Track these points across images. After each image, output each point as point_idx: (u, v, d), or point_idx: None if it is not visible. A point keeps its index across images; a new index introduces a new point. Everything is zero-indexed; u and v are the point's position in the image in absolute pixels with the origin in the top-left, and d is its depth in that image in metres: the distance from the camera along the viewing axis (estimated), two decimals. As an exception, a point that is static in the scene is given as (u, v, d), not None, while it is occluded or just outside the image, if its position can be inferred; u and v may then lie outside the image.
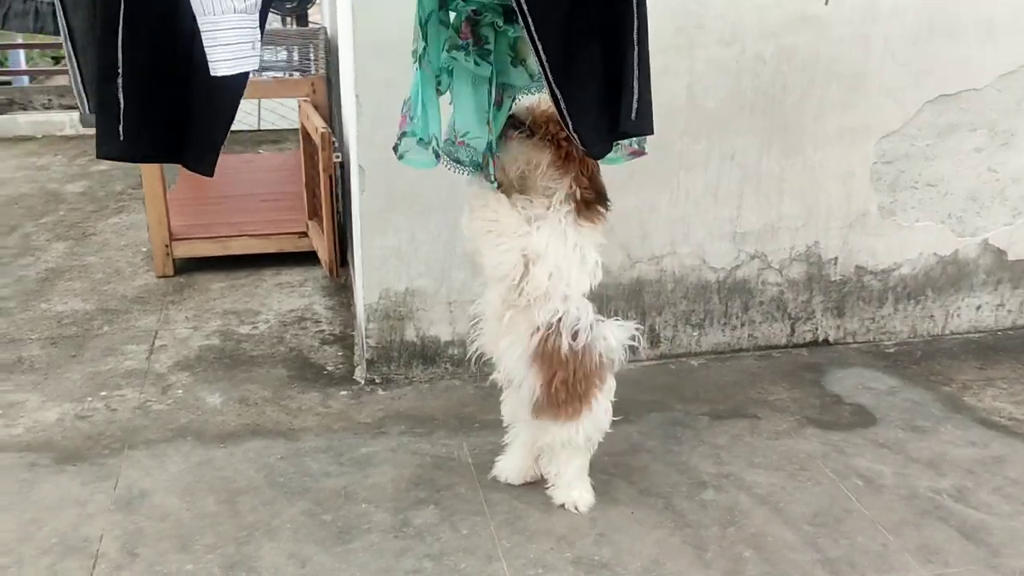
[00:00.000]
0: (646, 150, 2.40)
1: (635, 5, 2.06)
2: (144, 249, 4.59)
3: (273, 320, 3.87)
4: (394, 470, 2.85)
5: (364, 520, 2.61)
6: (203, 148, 1.99)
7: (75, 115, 6.59)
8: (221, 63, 1.74)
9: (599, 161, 2.37)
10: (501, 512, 2.65)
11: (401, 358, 3.35)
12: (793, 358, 3.57)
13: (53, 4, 2.03)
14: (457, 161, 2.39)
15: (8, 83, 7.54)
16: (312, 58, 4.80)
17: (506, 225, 2.36)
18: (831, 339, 3.65)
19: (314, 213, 4.36)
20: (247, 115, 6.61)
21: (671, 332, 3.50)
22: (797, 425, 3.10)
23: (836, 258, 3.54)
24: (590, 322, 2.42)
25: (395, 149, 2.38)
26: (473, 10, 2.25)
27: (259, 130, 6.92)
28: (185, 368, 3.48)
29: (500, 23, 2.27)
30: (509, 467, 2.76)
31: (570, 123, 2.24)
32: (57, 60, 8.30)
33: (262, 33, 1.87)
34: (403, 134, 2.37)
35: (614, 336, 2.49)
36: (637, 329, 2.56)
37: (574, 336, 2.39)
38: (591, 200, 2.40)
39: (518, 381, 2.49)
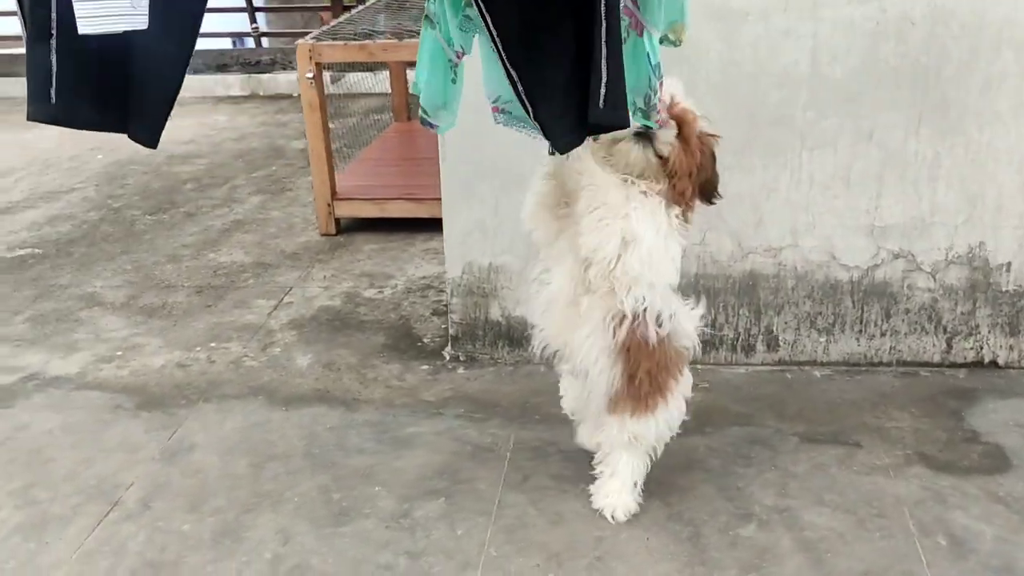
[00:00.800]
0: (652, 119, 2.05)
1: None
2: (321, 207, 4.73)
3: (401, 286, 3.84)
4: (427, 455, 2.71)
5: (368, 504, 2.50)
6: (146, 118, 1.92)
7: (327, 75, 6.92)
8: (86, 20, 1.65)
9: None
10: (508, 516, 2.43)
11: (487, 337, 3.19)
12: (943, 379, 2.99)
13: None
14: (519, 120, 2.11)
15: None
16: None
17: (613, 203, 2.15)
18: (1000, 361, 3.02)
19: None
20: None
21: (792, 336, 3.05)
22: (903, 461, 2.59)
23: (1009, 263, 2.91)
24: (673, 311, 2.23)
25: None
26: None
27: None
28: (296, 327, 3.54)
29: None
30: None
31: (529, 110, 1.97)
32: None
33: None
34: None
35: (690, 323, 2.30)
36: (702, 319, 2.35)
37: (660, 324, 2.21)
38: (695, 195, 2.22)
39: (596, 373, 2.28)
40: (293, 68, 7.33)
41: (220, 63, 7.53)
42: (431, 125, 2.17)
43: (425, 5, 2.12)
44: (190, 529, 2.45)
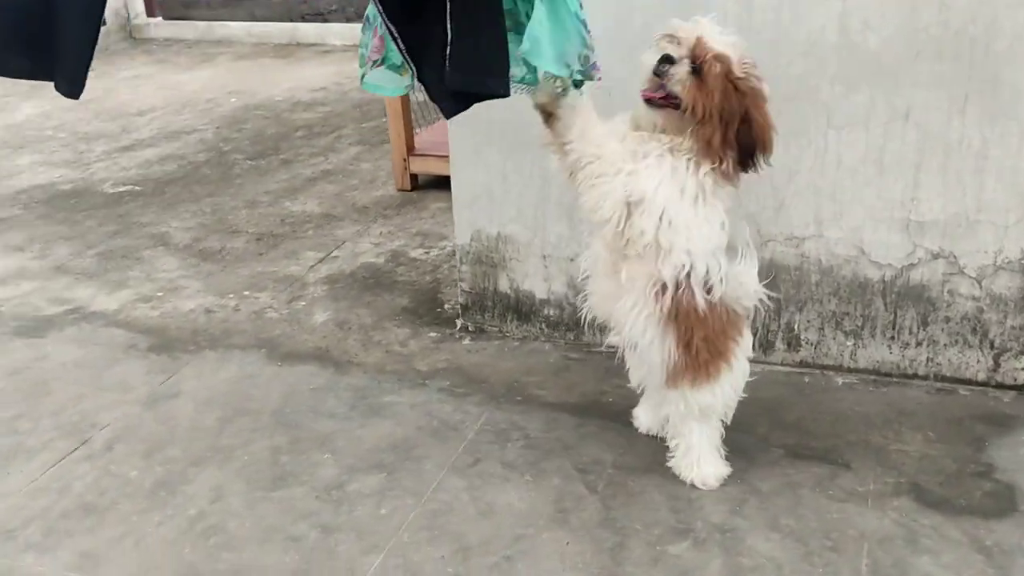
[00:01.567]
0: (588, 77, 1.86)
1: None
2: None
3: (449, 248, 3.75)
4: (391, 427, 2.63)
5: (309, 472, 2.46)
6: (66, 70, 1.91)
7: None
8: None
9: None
10: (438, 501, 2.32)
11: (495, 309, 3.06)
12: (983, 401, 2.61)
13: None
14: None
15: None
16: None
17: (608, 158, 2.02)
18: (1059, 387, 2.60)
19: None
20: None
21: (815, 336, 2.75)
22: (890, 491, 2.28)
23: (1072, 274, 2.49)
24: (724, 273, 2.08)
25: (362, 78, 2.08)
26: None
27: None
28: (329, 283, 3.53)
29: None
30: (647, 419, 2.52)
31: (413, 70, 1.82)
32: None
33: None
34: (378, 61, 2.03)
35: (751, 280, 2.17)
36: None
37: (708, 291, 2.07)
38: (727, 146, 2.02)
39: (645, 345, 2.15)
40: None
41: (372, 12, 7.60)
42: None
43: None
44: (136, 476, 2.48)
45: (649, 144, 2.04)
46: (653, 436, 2.50)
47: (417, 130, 4.39)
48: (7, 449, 2.62)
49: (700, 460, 2.30)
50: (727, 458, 2.36)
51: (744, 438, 2.49)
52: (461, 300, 3.09)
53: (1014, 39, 2.32)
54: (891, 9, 2.38)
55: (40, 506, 2.38)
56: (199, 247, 3.89)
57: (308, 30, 7.56)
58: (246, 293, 3.47)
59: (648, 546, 2.14)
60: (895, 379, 2.71)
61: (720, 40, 1.98)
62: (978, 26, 2.33)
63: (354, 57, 6.87)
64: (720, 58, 1.95)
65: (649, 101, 2.03)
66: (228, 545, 2.21)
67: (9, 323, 3.34)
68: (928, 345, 2.65)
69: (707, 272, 2.04)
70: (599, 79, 1.96)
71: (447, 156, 4.06)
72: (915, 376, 2.70)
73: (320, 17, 7.59)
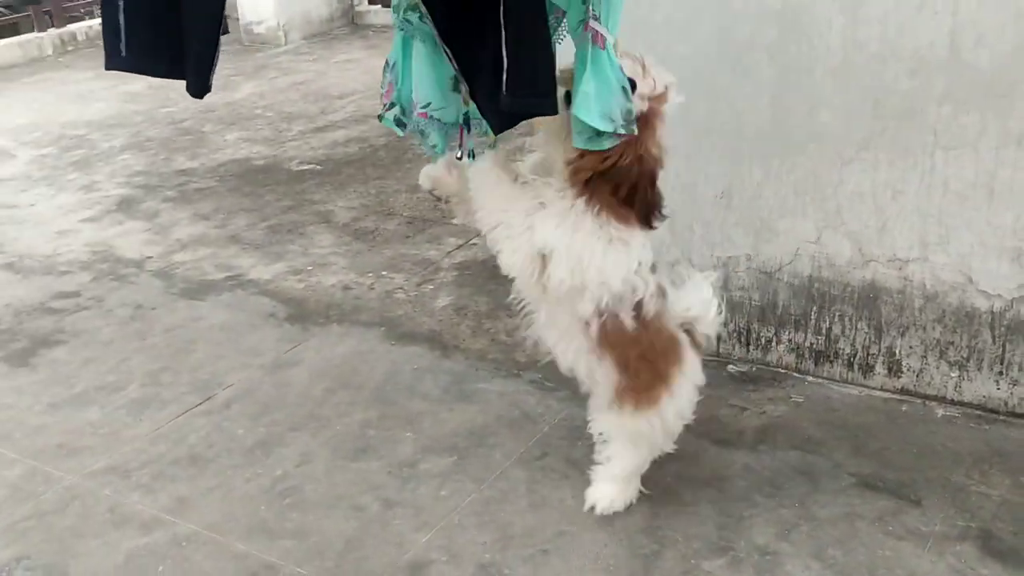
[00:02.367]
0: (630, 131, 1.87)
1: None
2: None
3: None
4: (474, 413, 2.76)
5: (390, 447, 2.63)
6: (190, 71, 2.11)
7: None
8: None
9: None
10: (496, 489, 2.43)
11: (600, 307, 3.10)
12: (1094, 451, 2.42)
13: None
14: (421, 134, 2.13)
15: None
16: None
17: (510, 220, 2.02)
18: None
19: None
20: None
21: (917, 363, 2.63)
22: (956, 534, 2.17)
23: None
24: (653, 290, 2.05)
25: (380, 118, 2.20)
26: None
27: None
28: (463, 269, 3.69)
29: None
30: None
31: (465, 86, 1.92)
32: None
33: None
34: (390, 105, 2.15)
35: (702, 304, 2.17)
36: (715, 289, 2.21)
37: (637, 309, 2.04)
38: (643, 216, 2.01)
39: (584, 375, 2.19)
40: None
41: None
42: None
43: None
44: (241, 434, 2.73)
45: (547, 191, 1.98)
46: (722, 450, 2.48)
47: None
48: (146, 398, 2.94)
49: (610, 480, 2.28)
50: (786, 486, 2.32)
51: (817, 461, 2.43)
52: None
53: None
54: (1008, 23, 2.24)
55: (157, 452, 2.67)
56: (356, 226, 4.15)
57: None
58: (384, 273, 3.68)
59: (683, 558, 2.16)
60: (1001, 417, 2.55)
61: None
62: (1103, 46, 2.16)
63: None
64: (650, 122, 1.90)
65: None
66: (299, 506, 2.41)
67: (179, 284, 3.71)
68: (1039, 385, 2.48)
69: (632, 293, 2.00)
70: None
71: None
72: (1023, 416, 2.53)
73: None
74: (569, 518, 2.31)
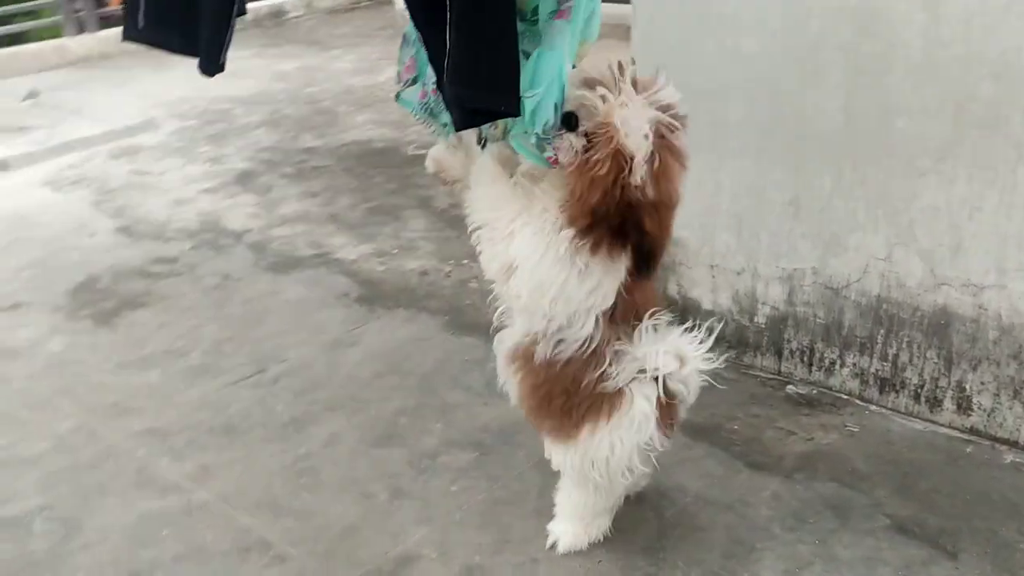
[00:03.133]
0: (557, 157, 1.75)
1: None
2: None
3: (672, 245, 3.67)
4: (509, 410, 2.65)
5: (416, 437, 2.60)
6: (202, 50, 2.14)
7: None
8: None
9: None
10: (508, 490, 2.36)
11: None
12: None
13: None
14: (431, 114, 2.05)
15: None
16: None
17: (496, 224, 1.89)
18: None
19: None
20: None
21: (989, 401, 2.38)
22: (989, 594, 1.95)
23: None
24: (584, 336, 1.85)
25: (396, 97, 2.15)
26: None
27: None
28: (542, 262, 3.61)
29: None
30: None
31: (434, 76, 1.85)
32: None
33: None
34: (411, 80, 2.10)
35: (666, 352, 1.87)
36: (701, 345, 1.91)
37: (556, 344, 1.87)
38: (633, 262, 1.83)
39: (502, 378, 2.08)
40: None
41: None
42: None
43: None
44: (280, 410, 2.76)
45: (534, 203, 1.82)
46: (754, 474, 2.32)
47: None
48: (204, 365, 3.02)
49: (562, 518, 2.14)
50: (812, 521, 2.16)
51: (855, 497, 2.24)
52: (635, 299, 3.03)
53: None
54: (1102, 29, 1.97)
55: (198, 419, 2.73)
56: (451, 213, 4.13)
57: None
58: (464, 261, 3.65)
59: (677, 585, 2.02)
60: (1080, 471, 2.27)
61: (638, 122, 1.65)
62: None
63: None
64: (617, 155, 1.65)
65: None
66: (312, 487, 2.41)
67: (269, 258, 3.80)
68: (1125, 439, 2.19)
69: (567, 328, 1.84)
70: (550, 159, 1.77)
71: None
72: (1105, 473, 2.24)
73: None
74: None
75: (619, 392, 1.87)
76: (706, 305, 2.84)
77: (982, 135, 2.18)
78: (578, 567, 2.08)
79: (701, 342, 1.91)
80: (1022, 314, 2.25)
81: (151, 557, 2.20)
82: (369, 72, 6.81)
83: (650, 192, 1.69)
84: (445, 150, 2.01)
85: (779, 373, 2.73)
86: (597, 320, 1.84)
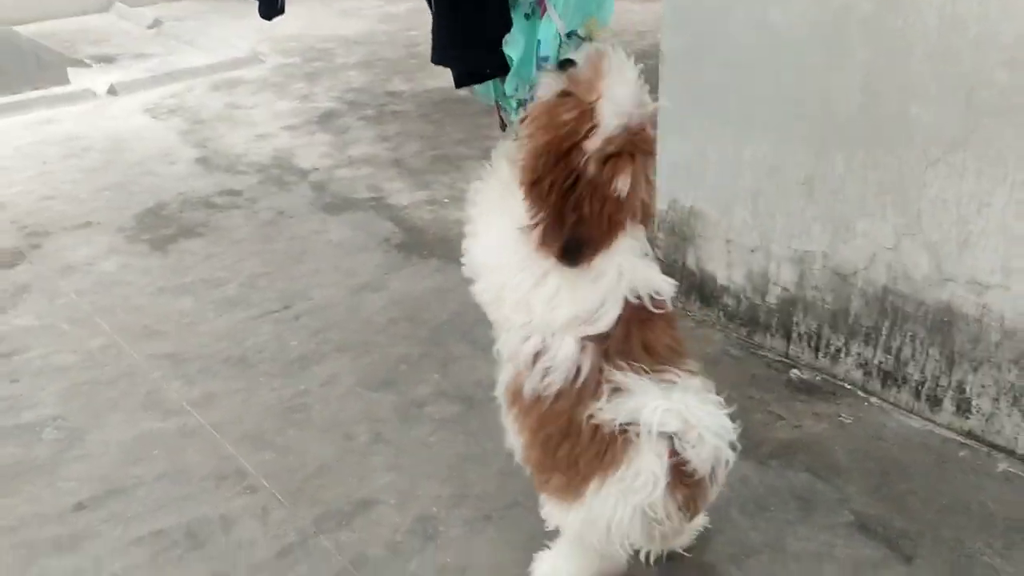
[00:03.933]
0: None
1: None
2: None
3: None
4: (508, 368, 2.71)
5: (411, 385, 2.66)
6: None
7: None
8: None
9: None
10: (483, 448, 2.39)
11: (681, 285, 2.92)
12: None
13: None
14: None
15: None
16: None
17: (487, 218, 1.78)
18: None
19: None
20: None
21: (988, 405, 2.27)
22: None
23: None
24: (564, 359, 1.66)
25: None
26: None
27: None
28: (586, 223, 3.60)
29: None
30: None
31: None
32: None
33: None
34: None
35: (659, 416, 1.56)
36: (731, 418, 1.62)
37: (544, 375, 1.68)
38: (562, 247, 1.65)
39: (508, 433, 1.86)
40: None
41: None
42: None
43: None
44: (293, 346, 2.87)
45: (506, 199, 1.70)
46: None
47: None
48: (237, 297, 3.15)
49: (553, 554, 1.93)
50: (773, 508, 2.13)
51: (825, 490, 2.19)
52: (657, 268, 2.99)
53: None
54: (1121, 20, 1.82)
55: (216, 348, 2.86)
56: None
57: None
58: (510, 216, 3.65)
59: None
60: (1074, 487, 2.16)
61: (622, 102, 1.57)
62: None
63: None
64: (585, 114, 1.57)
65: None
66: (300, 424, 2.50)
67: (326, 198, 3.91)
68: (1121, 460, 2.06)
69: (545, 354, 1.66)
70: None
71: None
72: (1099, 493, 2.12)
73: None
74: (528, 493, 2.22)
75: (627, 442, 1.61)
76: (721, 280, 2.79)
77: (995, 124, 2.06)
78: (528, 529, 2.10)
79: (718, 408, 1.62)
80: (1025, 318, 2.13)
81: (138, 473, 2.34)
82: (475, 18, 6.82)
83: (596, 172, 1.60)
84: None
85: (787, 356, 2.67)
86: (583, 346, 1.66)
